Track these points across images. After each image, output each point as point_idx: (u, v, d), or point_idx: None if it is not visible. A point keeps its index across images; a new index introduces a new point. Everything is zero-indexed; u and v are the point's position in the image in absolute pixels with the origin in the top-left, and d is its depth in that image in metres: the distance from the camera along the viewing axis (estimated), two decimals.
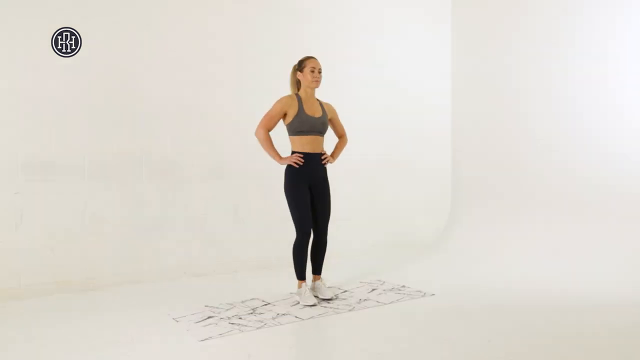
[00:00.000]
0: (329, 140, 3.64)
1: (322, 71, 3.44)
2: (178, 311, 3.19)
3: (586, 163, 4.25)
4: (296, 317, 3.06)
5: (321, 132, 3.42)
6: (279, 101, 3.38)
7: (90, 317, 3.14)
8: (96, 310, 3.31)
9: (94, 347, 2.62)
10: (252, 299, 3.48)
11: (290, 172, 3.37)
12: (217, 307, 3.27)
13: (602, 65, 4.13)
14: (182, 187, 4.21)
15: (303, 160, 3.33)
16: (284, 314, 3.11)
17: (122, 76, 3.97)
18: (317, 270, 3.56)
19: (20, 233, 3.57)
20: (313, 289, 3.51)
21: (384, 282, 3.93)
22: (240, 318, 3.04)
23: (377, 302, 3.37)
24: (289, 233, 4.49)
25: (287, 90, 3.53)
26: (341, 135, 3.67)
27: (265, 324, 2.92)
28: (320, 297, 3.41)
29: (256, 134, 3.39)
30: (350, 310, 3.19)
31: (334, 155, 3.58)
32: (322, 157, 3.43)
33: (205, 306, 3.30)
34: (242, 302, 3.40)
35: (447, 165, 5.72)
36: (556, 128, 4.47)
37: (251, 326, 2.88)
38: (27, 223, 3.58)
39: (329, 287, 3.46)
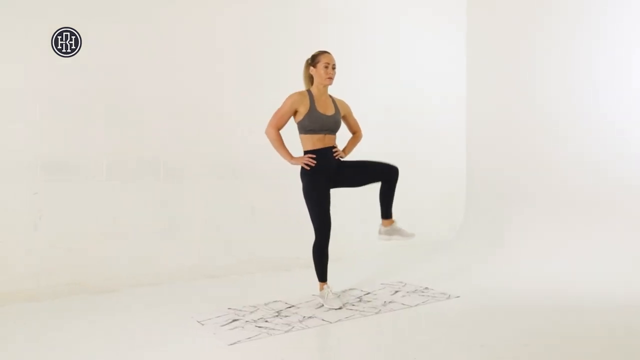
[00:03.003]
0: (342, 137, 3.55)
1: (336, 67, 3.30)
2: (202, 314, 3.14)
3: (606, 161, 4.20)
4: (323, 320, 3.01)
5: (333, 130, 3.30)
6: (289, 98, 3.24)
7: (112, 319, 3.09)
8: (116, 312, 3.26)
9: (120, 350, 2.57)
10: (275, 301, 3.42)
11: (306, 173, 3.27)
12: (240, 310, 3.22)
13: (626, 61, 4.08)
14: (199, 188, 4.16)
15: (314, 162, 3.22)
16: (310, 317, 3.06)
17: (139, 77, 3.91)
18: (386, 213, 3.43)
19: (39, 233, 3.51)
20: (388, 233, 3.43)
21: (405, 283, 3.89)
22: (266, 321, 2.99)
23: (403, 304, 3.32)
24: (305, 233, 4.44)
25: (302, 87, 3.39)
26: (355, 132, 3.55)
27: (293, 327, 2.87)
28: (405, 237, 3.42)
29: (266, 132, 3.29)
30: (377, 313, 3.14)
31: (346, 150, 3.45)
32: (334, 151, 3.31)
33: (229, 309, 3.24)
34: (266, 304, 3.35)
35: (462, 164, 5.67)
36: (574, 125, 4.42)
37: (279, 329, 2.83)
38: (45, 224, 3.53)
39: (338, 296, 3.35)
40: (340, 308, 3.21)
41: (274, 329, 2.84)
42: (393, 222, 3.44)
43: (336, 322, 2.98)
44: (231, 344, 2.62)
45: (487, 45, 5.31)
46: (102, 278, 3.74)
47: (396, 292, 3.65)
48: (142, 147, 3.90)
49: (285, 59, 4.52)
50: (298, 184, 4.48)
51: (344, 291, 3.65)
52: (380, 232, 3.50)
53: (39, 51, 3.55)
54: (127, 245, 3.85)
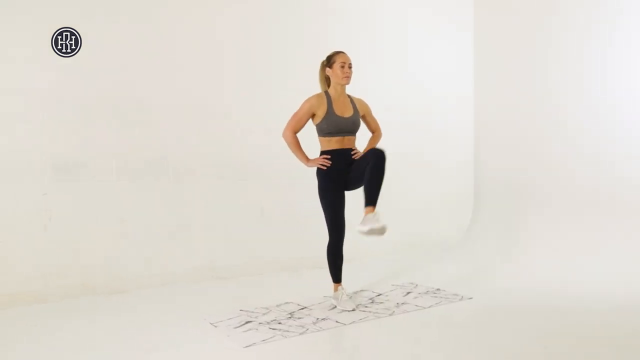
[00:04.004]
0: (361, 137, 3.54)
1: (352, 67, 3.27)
2: (213, 315, 3.11)
3: (617, 159, 4.15)
4: (337, 322, 2.98)
5: (352, 132, 3.26)
6: (307, 101, 3.22)
7: (122, 321, 3.07)
8: (126, 313, 3.23)
9: (133, 352, 2.54)
10: (287, 302, 3.40)
11: (321, 174, 3.23)
12: (252, 312, 3.19)
13: (638, 57, 4.04)
14: (208, 189, 4.13)
15: (330, 162, 3.19)
16: (323, 319, 3.03)
17: (147, 78, 3.88)
18: (370, 200, 2.95)
19: (48, 234, 3.48)
20: (365, 222, 2.87)
21: (416, 285, 3.86)
22: (279, 323, 2.96)
23: (416, 306, 3.29)
24: (313, 234, 4.42)
25: (315, 88, 3.36)
26: (374, 130, 3.52)
27: (307, 330, 2.84)
28: (371, 227, 2.83)
29: (283, 135, 3.26)
30: (390, 315, 3.11)
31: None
32: (352, 153, 3.27)
33: (241, 310, 3.22)
34: (277, 306, 3.32)
35: (469, 164, 5.64)
36: (582, 123, 4.36)
37: (293, 332, 2.80)
38: (54, 224, 3.49)
39: (350, 297, 3.29)
40: (353, 310, 3.18)
41: (288, 331, 2.81)
42: (374, 211, 2.94)
43: (350, 324, 2.95)
44: (246, 347, 2.59)
45: (494, 43, 5.28)
46: (111, 279, 3.71)
47: (408, 293, 3.62)
48: (151, 147, 3.87)
49: (293, 59, 4.51)
50: (306, 184, 4.45)
51: (355, 292, 3.63)
52: (360, 224, 2.93)
53: (48, 52, 3.52)
54: (136, 246, 3.82)
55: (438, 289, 3.69)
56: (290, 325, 2.91)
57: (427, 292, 3.62)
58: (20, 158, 3.39)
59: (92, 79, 3.64)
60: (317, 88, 3.35)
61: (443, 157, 5.50)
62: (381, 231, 2.85)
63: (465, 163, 5.61)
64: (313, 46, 4.42)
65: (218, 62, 4.18)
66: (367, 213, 2.94)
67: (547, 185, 4.66)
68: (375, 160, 3.00)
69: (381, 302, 3.38)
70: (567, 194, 4.50)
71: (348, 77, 3.23)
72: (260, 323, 2.96)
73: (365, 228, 2.86)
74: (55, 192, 3.50)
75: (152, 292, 3.76)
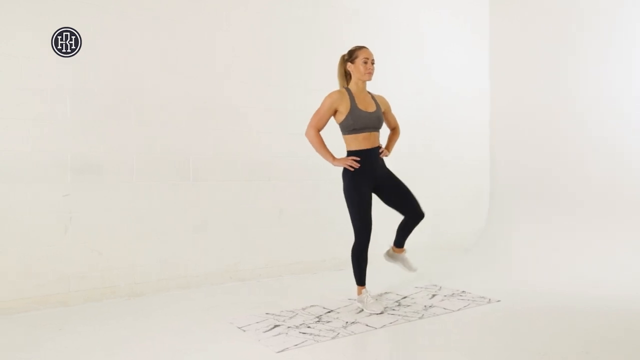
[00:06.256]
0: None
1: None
2: (239, 319, 3.05)
3: (638, 156, 4.10)
4: (367, 325, 2.93)
5: (377, 127, 3.18)
6: (328, 97, 3.12)
7: (146, 324, 3.02)
8: (150, 316, 3.18)
9: (163, 355, 2.48)
10: (312, 305, 3.34)
11: (348, 174, 3.15)
12: (279, 315, 3.14)
13: None
14: (227, 189, 4.07)
15: (358, 164, 3.11)
16: (353, 322, 2.98)
17: (168, 79, 3.82)
18: (400, 243, 3.49)
19: (69, 236, 3.42)
20: (395, 258, 3.56)
21: (440, 287, 3.80)
22: (309, 327, 2.90)
23: (445, 309, 3.23)
24: (335, 235, 4.38)
25: (334, 87, 3.26)
26: (394, 128, 3.46)
27: (338, 334, 2.78)
28: (407, 268, 3.55)
29: (306, 134, 3.18)
30: (420, 318, 3.05)
31: (389, 148, 3.36)
32: (380, 151, 3.21)
33: (267, 314, 3.16)
34: (303, 309, 3.27)
35: (485, 163, 5.59)
36: (601, 120, 4.31)
37: (324, 335, 2.75)
38: (75, 226, 3.44)
39: (376, 300, 3.24)
40: (381, 313, 3.13)
41: (319, 335, 2.75)
42: (404, 251, 3.54)
43: (381, 327, 2.90)
44: (279, 352, 2.53)
45: (511, 39, 5.21)
46: (133, 281, 3.65)
47: (434, 295, 3.57)
48: (171, 149, 3.81)
49: (312, 59, 4.45)
50: (325, 186, 4.43)
51: (379, 295, 3.58)
52: (387, 254, 3.59)
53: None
54: (156, 248, 3.76)
55: (463, 292, 3.63)
56: (320, 330, 2.85)
57: (452, 295, 3.57)
58: (40, 159, 3.32)
59: (112, 80, 3.58)
60: (335, 87, 3.26)
61: (459, 155, 5.44)
62: (413, 270, 3.59)
63: (481, 161, 5.55)
64: (331, 45, 4.37)
65: (237, 62, 4.12)
66: (399, 252, 3.56)
67: (565, 184, 4.60)
68: (418, 219, 3.35)
69: (408, 305, 3.33)
70: (586, 192, 4.43)
71: (371, 73, 3.16)
72: (289, 327, 2.90)
73: (410, 268, 3.57)
74: (76, 194, 3.43)
75: (174, 294, 3.71)
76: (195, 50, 3.94)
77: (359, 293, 3.27)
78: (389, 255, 3.57)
